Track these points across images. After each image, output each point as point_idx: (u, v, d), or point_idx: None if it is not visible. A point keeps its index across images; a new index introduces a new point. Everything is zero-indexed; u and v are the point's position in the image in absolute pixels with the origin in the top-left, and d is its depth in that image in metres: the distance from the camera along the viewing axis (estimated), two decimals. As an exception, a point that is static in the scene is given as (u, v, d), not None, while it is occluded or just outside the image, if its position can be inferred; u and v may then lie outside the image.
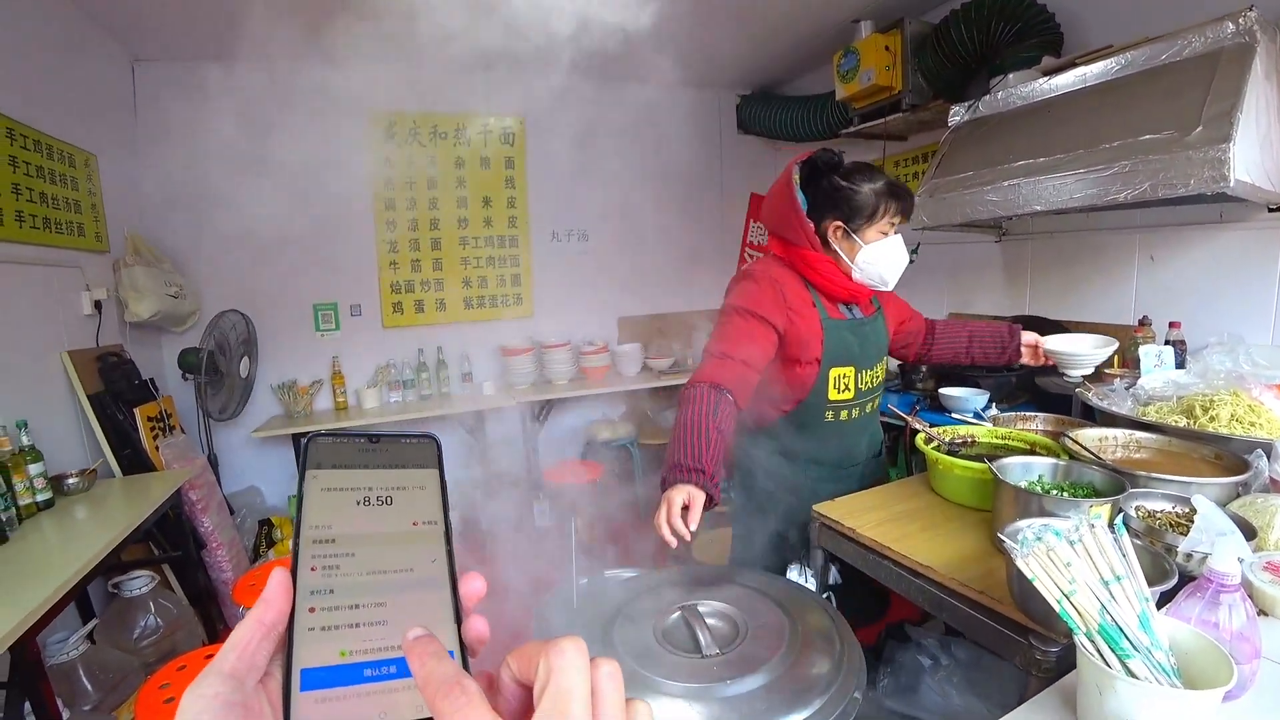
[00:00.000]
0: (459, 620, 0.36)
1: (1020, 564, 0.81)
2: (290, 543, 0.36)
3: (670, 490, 1.29)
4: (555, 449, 4.30)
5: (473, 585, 0.38)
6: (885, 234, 1.55)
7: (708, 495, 1.30)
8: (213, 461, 3.29)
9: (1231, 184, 1.68)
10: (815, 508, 1.51)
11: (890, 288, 1.62)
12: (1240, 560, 0.87)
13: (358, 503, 0.37)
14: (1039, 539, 0.82)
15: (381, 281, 4.01)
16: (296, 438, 3.51)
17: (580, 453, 4.21)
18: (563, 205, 4.37)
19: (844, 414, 1.64)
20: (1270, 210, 2.07)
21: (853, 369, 1.61)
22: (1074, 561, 0.79)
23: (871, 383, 1.68)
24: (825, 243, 1.58)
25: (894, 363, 3.06)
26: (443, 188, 4.06)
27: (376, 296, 4.01)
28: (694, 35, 3.64)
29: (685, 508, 1.27)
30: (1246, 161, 1.72)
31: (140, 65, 3.42)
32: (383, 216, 3.95)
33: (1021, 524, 1.01)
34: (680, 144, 4.63)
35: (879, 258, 1.55)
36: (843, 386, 1.61)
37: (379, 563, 0.36)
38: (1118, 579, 0.79)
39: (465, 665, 0.34)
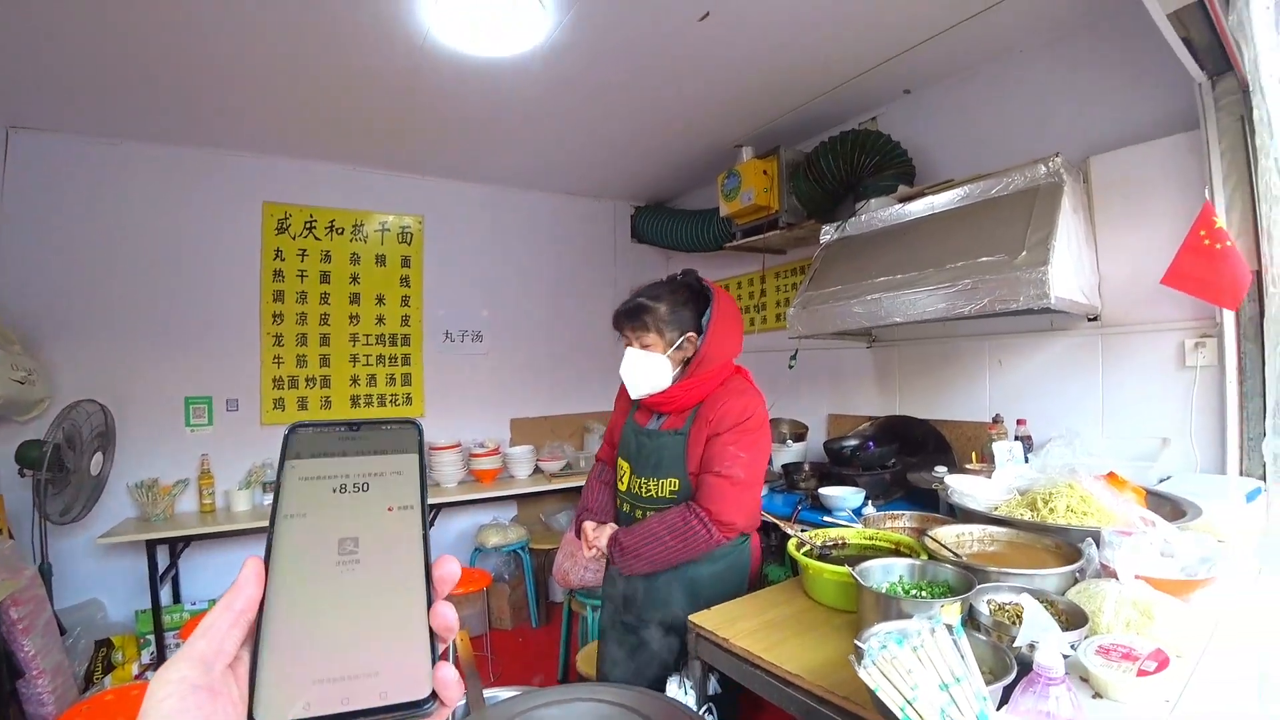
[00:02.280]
0: (430, 603, 0.36)
1: (862, 675, 0.82)
2: (266, 532, 0.36)
3: (570, 531, 1.76)
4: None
5: (447, 568, 0.39)
6: (627, 346, 1.76)
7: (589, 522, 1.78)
8: (45, 572, 2.87)
9: (1053, 300, 1.91)
10: (691, 618, 1.48)
11: (635, 395, 1.77)
12: (1065, 655, 0.92)
13: (334, 490, 0.38)
14: (884, 647, 0.84)
15: (264, 376, 3.78)
16: (150, 544, 3.15)
17: (469, 559, 4.01)
18: (458, 306, 4.35)
19: (624, 506, 1.81)
20: (1089, 320, 2.36)
21: (629, 467, 1.79)
22: (915, 669, 0.82)
23: (641, 491, 1.74)
24: None
25: (779, 462, 3.16)
26: (335, 283, 3.96)
27: (257, 392, 3.77)
28: (589, 153, 3.86)
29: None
30: (1063, 280, 1.97)
31: (16, 132, 3.20)
32: (269, 309, 3.79)
33: (869, 631, 1.03)
34: (577, 250, 4.79)
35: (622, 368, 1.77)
36: (620, 476, 1.82)
37: (353, 548, 0.37)
38: (957, 681, 0.82)
39: (433, 655, 0.35)
